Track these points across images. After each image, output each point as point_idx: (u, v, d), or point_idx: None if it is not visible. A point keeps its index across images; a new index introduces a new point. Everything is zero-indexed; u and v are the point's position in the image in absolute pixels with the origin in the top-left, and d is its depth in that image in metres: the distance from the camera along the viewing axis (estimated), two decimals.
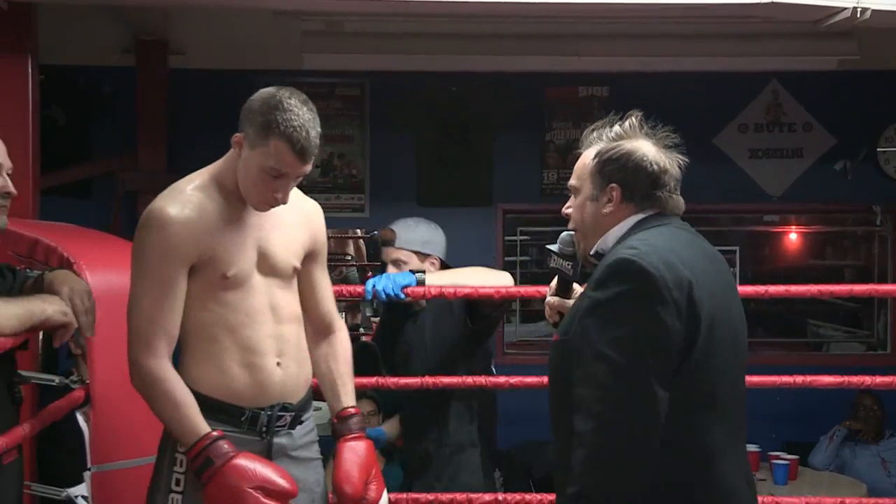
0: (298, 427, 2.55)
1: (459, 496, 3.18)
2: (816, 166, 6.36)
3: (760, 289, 3.28)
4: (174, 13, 5.70)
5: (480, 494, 3.19)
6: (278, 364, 2.48)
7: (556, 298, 2.40)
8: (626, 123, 2.25)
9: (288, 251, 2.54)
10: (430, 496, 3.20)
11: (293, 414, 2.51)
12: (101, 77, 6.18)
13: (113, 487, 2.61)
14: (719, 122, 6.38)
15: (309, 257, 2.62)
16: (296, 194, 2.55)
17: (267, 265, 2.49)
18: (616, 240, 2.17)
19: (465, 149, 6.38)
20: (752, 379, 3.22)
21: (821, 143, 6.36)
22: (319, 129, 2.39)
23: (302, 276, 2.63)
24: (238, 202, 2.45)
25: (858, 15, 4.15)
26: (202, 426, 2.34)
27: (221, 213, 2.42)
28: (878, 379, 3.22)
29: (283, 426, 2.49)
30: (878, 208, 6.31)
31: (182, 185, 2.45)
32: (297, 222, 2.58)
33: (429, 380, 3.19)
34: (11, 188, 2.40)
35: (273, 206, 2.43)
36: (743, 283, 5.99)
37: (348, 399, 2.66)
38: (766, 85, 6.36)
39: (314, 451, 2.62)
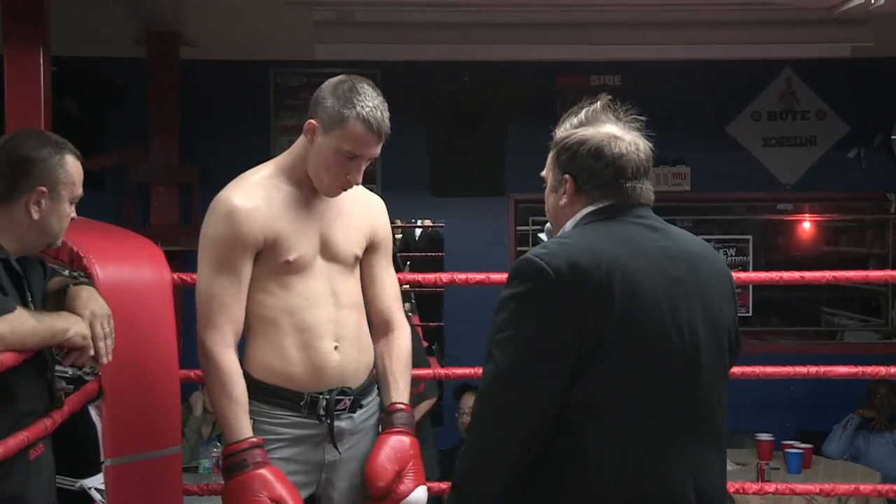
0: (359, 411, 2.60)
1: None
2: (830, 154, 6.34)
3: (775, 275, 3.26)
4: (185, 4, 5.71)
5: None
6: (336, 348, 2.53)
7: None
8: (591, 108, 2.10)
9: (349, 239, 2.60)
10: (444, 484, 3.20)
11: (352, 398, 2.55)
12: (113, 69, 6.20)
13: (128, 481, 2.61)
14: (732, 110, 6.36)
15: (370, 249, 2.67)
16: (360, 188, 2.63)
17: (329, 252, 2.56)
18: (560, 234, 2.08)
19: (477, 138, 6.38)
20: (765, 369, 3.22)
21: (834, 131, 6.33)
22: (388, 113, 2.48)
23: (363, 269, 2.68)
24: (304, 191, 2.53)
25: (872, 1, 4.12)
26: (247, 429, 2.43)
27: (286, 201, 2.51)
28: (894, 369, 3.21)
29: (343, 410, 2.54)
30: (893, 196, 6.28)
31: (248, 176, 2.54)
32: (359, 213, 2.64)
33: (439, 371, 3.19)
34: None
35: (344, 189, 2.51)
36: (757, 271, 6.00)
37: (398, 395, 2.67)
38: (780, 73, 6.34)
39: (374, 435, 2.65)
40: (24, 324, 2.17)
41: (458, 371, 3.21)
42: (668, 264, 1.99)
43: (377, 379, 2.68)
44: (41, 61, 3.73)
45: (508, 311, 1.93)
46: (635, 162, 2.04)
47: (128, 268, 2.74)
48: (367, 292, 2.69)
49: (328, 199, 2.56)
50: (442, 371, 3.21)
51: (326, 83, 2.49)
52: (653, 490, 1.92)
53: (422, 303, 8.32)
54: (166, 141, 5.96)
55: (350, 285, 2.60)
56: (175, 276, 2.90)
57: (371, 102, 2.43)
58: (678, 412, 1.95)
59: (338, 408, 2.52)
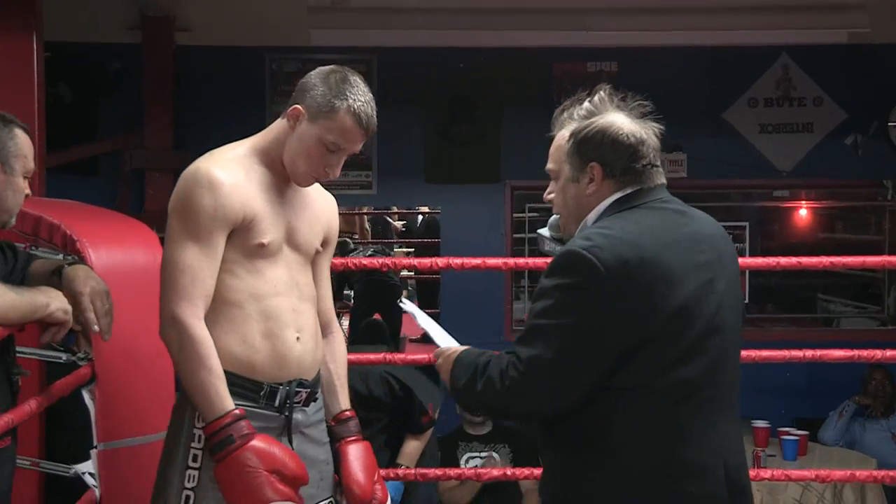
0: (312, 404, 2.56)
1: (468, 471, 3.18)
2: (827, 141, 6.32)
3: (772, 260, 3.26)
4: None
5: (489, 469, 3.19)
6: (298, 339, 2.48)
7: None
8: (596, 98, 2.17)
9: (312, 231, 2.57)
10: (439, 470, 3.20)
11: (308, 391, 2.52)
12: (107, 54, 6.17)
13: (120, 465, 2.61)
14: (729, 96, 6.34)
15: (322, 246, 2.64)
16: (317, 186, 2.60)
17: (294, 241, 2.52)
18: (593, 222, 2.13)
19: (472, 125, 6.36)
20: (761, 353, 3.21)
21: (831, 118, 6.31)
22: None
23: (311, 266, 2.64)
24: (276, 176, 2.48)
25: None
26: (229, 401, 2.32)
27: (261, 182, 2.45)
28: (889, 352, 3.20)
29: (299, 402, 2.50)
30: (889, 183, 6.28)
31: (224, 151, 2.47)
32: (320, 208, 2.62)
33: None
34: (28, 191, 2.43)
35: (318, 181, 2.47)
36: (753, 257, 6.00)
37: (346, 401, 2.67)
38: (776, 59, 6.31)
39: (323, 430, 2.62)
40: (3, 297, 2.14)
41: None
42: (698, 249, 2.09)
43: (321, 382, 2.64)
44: (34, 46, 3.71)
45: (553, 301, 2.00)
46: (654, 146, 2.13)
47: (121, 251, 2.73)
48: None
49: (297, 188, 2.52)
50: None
51: (316, 71, 2.45)
52: (688, 463, 2.02)
53: (418, 290, 8.32)
54: (160, 127, 5.93)
55: (309, 278, 2.56)
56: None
57: (363, 97, 2.39)
58: (709, 390, 2.06)
59: (295, 400, 2.46)
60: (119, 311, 2.49)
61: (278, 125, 2.47)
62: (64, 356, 2.69)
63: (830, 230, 7.12)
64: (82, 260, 2.57)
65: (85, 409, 2.61)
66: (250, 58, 6.21)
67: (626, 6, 5.60)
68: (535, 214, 6.54)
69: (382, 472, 2.75)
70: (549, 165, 2.24)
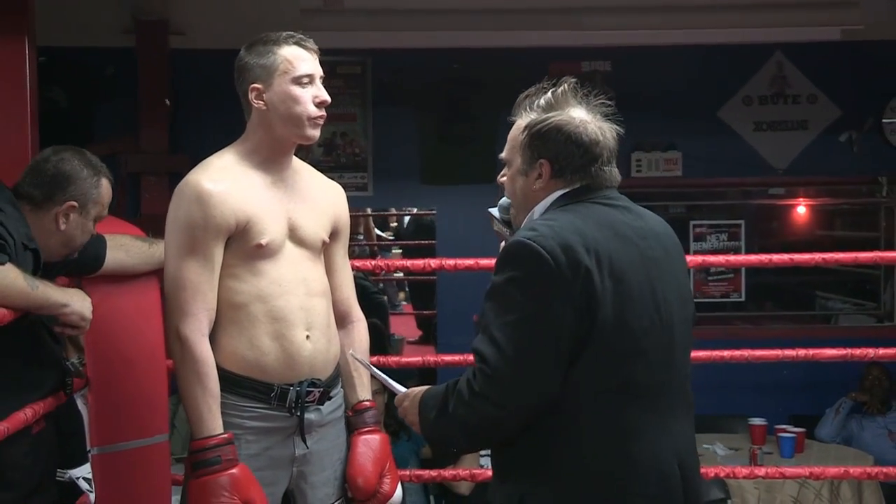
0: (327, 403, 2.57)
1: (462, 471, 3.18)
2: (822, 138, 6.32)
3: (764, 257, 3.28)
4: None
5: (484, 469, 3.19)
6: (307, 337, 2.50)
7: None
8: (559, 91, 2.14)
9: (317, 224, 2.58)
10: (434, 472, 3.20)
11: (321, 390, 2.52)
12: (102, 58, 6.16)
13: (114, 469, 2.61)
14: (724, 94, 6.34)
15: (332, 236, 2.65)
16: (320, 174, 2.67)
17: (297, 236, 2.53)
18: (540, 215, 2.12)
19: (468, 126, 6.35)
20: (754, 353, 3.22)
21: (826, 115, 6.31)
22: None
23: (324, 257, 2.64)
24: (270, 174, 2.51)
25: None
26: (220, 423, 2.38)
27: (254, 184, 2.48)
28: (882, 351, 3.21)
29: (312, 402, 2.50)
30: (885, 179, 6.28)
31: (212, 161, 2.51)
32: (323, 198, 2.63)
33: (430, 358, 3.19)
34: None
35: (319, 119, 2.49)
36: (747, 254, 5.99)
37: (364, 392, 2.67)
38: (771, 57, 6.32)
39: (341, 429, 2.63)
40: (12, 280, 2.20)
41: (448, 358, 3.21)
42: (644, 244, 2.07)
43: (340, 373, 2.66)
44: (27, 51, 3.70)
45: (506, 296, 1.98)
46: (608, 147, 2.11)
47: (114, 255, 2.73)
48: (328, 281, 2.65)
49: (295, 183, 2.54)
50: (432, 359, 3.20)
51: (236, 60, 2.53)
52: (642, 463, 2.00)
53: (415, 291, 8.32)
54: (156, 130, 5.92)
55: (318, 272, 2.57)
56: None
57: (286, 33, 2.49)
58: (660, 388, 2.05)
59: (307, 399, 2.48)
60: (113, 315, 2.51)
61: (252, 121, 2.51)
62: (70, 362, 2.71)
63: (827, 227, 7.12)
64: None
65: (78, 414, 2.62)
66: None
67: (621, 5, 5.59)
68: None
69: None
70: (504, 153, 2.22)
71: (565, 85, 2.14)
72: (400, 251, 8.48)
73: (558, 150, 2.09)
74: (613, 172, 2.14)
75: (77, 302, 2.38)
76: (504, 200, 2.29)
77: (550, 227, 2.00)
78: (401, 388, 2.33)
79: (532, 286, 1.96)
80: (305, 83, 2.45)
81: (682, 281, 2.17)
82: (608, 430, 1.99)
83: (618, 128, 2.14)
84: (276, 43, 2.46)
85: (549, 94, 2.14)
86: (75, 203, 2.49)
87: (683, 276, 2.19)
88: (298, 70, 2.44)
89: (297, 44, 2.47)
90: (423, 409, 2.14)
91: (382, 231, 8.46)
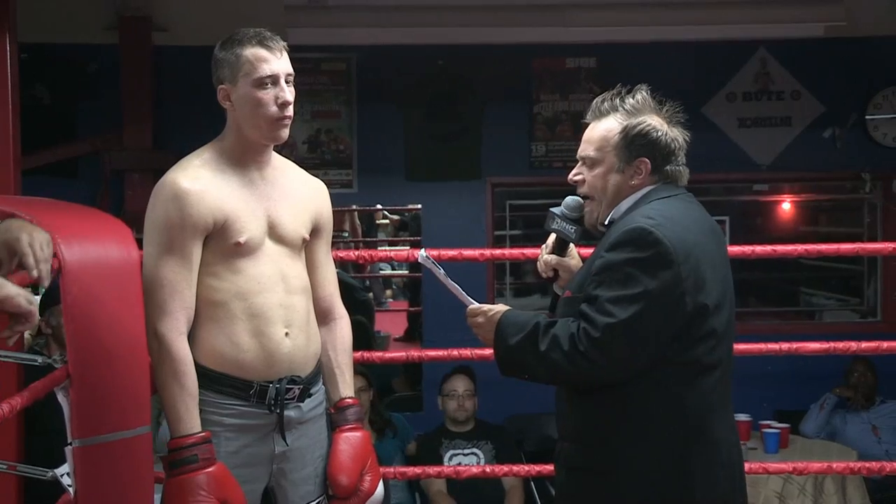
0: (307, 400, 2.56)
1: (447, 469, 3.18)
2: (805, 134, 6.34)
3: (747, 249, 3.32)
4: None
5: (468, 466, 3.20)
6: (287, 334, 2.50)
7: (553, 256, 2.51)
8: (639, 97, 2.37)
9: (297, 221, 2.57)
10: (418, 469, 3.20)
11: (301, 387, 2.51)
12: (85, 55, 6.13)
13: (95, 461, 2.57)
14: (708, 91, 6.35)
15: (314, 233, 2.65)
16: (301, 171, 2.67)
17: (277, 233, 2.53)
18: (627, 208, 2.33)
19: (452, 122, 6.35)
20: (739, 346, 3.23)
21: (809, 111, 6.33)
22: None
23: (306, 254, 2.63)
24: (249, 172, 2.51)
25: None
26: (198, 422, 2.39)
27: (232, 182, 2.48)
28: (864, 344, 3.23)
29: (292, 399, 2.50)
30: (868, 175, 6.29)
31: (191, 159, 2.52)
32: (304, 195, 2.63)
33: (414, 353, 3.18)
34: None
35: (285, 120, 2.48)
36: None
37: (346, 389, 2.67)
38: (754, 53, 6.33)
39: (322, 426, 2.63)
40: None
41: (432, 353, 3.21)
42: (719, 241, 2.37)
43: (322, 370, 2.65)
44: (8, 47, 3.68)
45: (625, 274, 2.18)
46: (684, 150, 2.38)
47: (94, 247, 2.69)
48: (309, 279, 2.65)
49: (275, 180, 2.53)
50: (415, 353, 3.20)
51: (212, 58, 2.53)
52: (719, 432, 2.27)
53: (403, 288, 8.32)
54: (140, 127, 5.90)
55: (298, 269, 2.58)
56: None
57: (252, 31, 2.47)
58: (728, 367, 2.32)
59: (287, 396, 2.48)
60: (93, 306, 2.48)
61: (228, 121, 2.52)
62: (39, 359, 2.67)
63: (811, 223, 7.14)
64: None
65: (60, 411, 2.59)
66: None
67: (605, 2, 5.60)
68: (516, 212, 6.53)
69: None
70: (589, 153, 2.38)
71: (643, 91, 2.39)
72: (389, 248, 8.47)
73: (655, 150, 2.33)
74: (687, 172, 2.39)
75: (9, 286, 2.05)
76: (573, 199, 2.44)
77: (666, 217, 2.23)
78: (471, 301, 2.46)
79: (651, 268, 2.16)
80: (268, 84, 2.44)
81: (731, 277, 2.40)
82: (698, 406, 2.23)
83: (686, 133, 2.39)
84: (241, 43, 2.45)
85: (631, 98, 2.37)
86: None
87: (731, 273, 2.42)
88: (260, 72, 2.43)
89: (261, 43, 2.45)
90: (503, 331, 2.32)
91: (369, 231, 8.45)
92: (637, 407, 2.23)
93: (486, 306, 2.43)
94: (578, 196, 2.43)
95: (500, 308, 2.40)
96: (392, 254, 3.43)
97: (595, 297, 2.20)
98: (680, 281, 2.17)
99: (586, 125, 2.42)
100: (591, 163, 2.38)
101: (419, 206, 6.58)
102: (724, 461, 2.28)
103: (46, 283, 2.27)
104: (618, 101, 2.37)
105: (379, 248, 7.87)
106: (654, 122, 2.34)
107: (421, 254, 2.64)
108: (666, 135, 2.33)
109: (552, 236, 2.50)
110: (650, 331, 2.18)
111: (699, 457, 2.23)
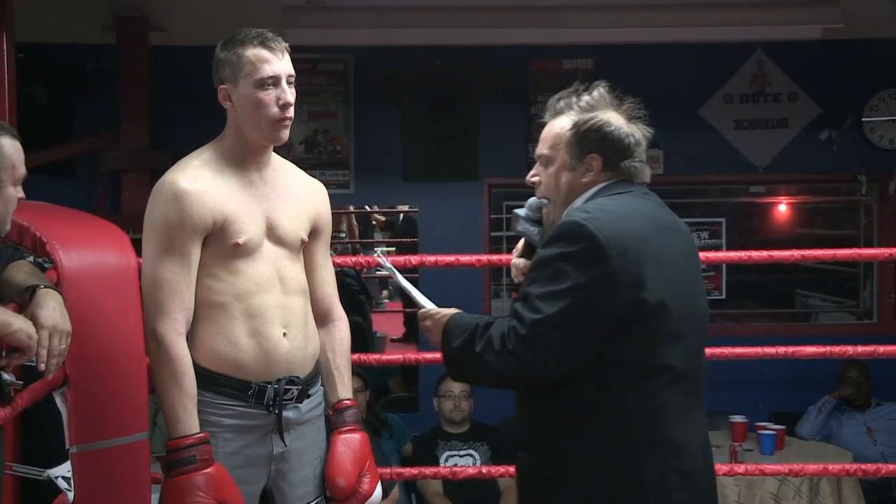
0: (306, 401, 2.56)
1: (443, 469, 3.18)
2: (802, 136, 6.34)
3: (744, 254, 3.31)
4: None
5: (465, 467, 3.20)
6: (284, 335, 2.50)
7: (522, 260, 2.48)
8: (595, 93, 2.30)
9: (295, 222, 2.57)
10: (415, 469, 3.20)
11: (300, 388, 2.51)
12: (82, 55, 6.13)
13: (94, 467, 2.59)
14: (704, 92, 6.35)
15: (313, 235, 2.64)
16: (301, 172, 2.66)
17: (275, 235, 2.53)
18: (578, 206, 2.25)
19: (450, 123, 6.35)
20: (734, 350, 3.24)
21: (806, 113, 6.33)
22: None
23: (304, 256, 2.63)
24: (248, 173, 2.51)
25: None
26: (196, 422, 2.38)
27: (231, 183, 2.48)
28: (861, 348, 3.23)
29: (291, 399, 2.50)
30: (864, 178, 6.29)
31: (190, 159, 2.51)
32: (303, 196, 2.62)
33: (411, 355, 3.19)
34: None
35: (285, 122, 2.47)
36: (727, 251, 6.02)
37: (344, 391, 2.67)
38: (751, 55, 6.33)
39: (321, 427, 2.63)
40: None
41: (429, 356, 3.21)
42: (678, 238, 2.27)
43: (320, 372, 2.65)
44: (6, 47, 3.68)
45: (555, 269, 2.12)
46: (643, 146, 2.29)
47: (92, 253, 2.71)
48: (307, 279, 2.65)
49: (274, 181, 2.53)
50: (412, 355, 3.20)
51: (213, 57, 2.52)
52: (676, 441, 2.16)
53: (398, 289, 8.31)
54: (137, 127, 5.90)
55: (296, 270, 2.57)
56: (141, 261, 2.86)
57: (254, 31, 2.46)
58: (692, 373, 2.21)
59: (285, 397, 2.47)
60: (91, 313, 2.49)
61: (228, 123, 2.52)
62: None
63: (807, 225, 7.15)
64: (52, 262, 2.55)
65: (56, 412, 2.59)
66: None
67: (603, 3, 5.60)
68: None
69: None
70: (543, 151, 2.33)
71: (601, 88, 2.31)
72: (385, 248, 8.46)
73: (607, 146, 2.24)
74: (647, 169, 2.30)
75: (19, 321, 2.12)
76: (535, 200, 2.40)
77: (602, 211, 2.15)
78: (425, 303, 2.43)
79: (582, 262, 2.09)
80: (269, 85, 2.43)
81: (701, 278, 2.34)
82: (648, 409, 2.13)
83: (648, 129, 2.30)
84: (243, 43, 2.44)
85: (587, 95, 2.30)
86: None
87: (701, 275, 2.36)
88: (261, 72, 2.43)
89: (263, 44, 2.44)
90: (448, 334, 2.27)
91: (366, 232, 8.45)
92: (581, 411, 2.15)
93: (434, 309, 2.40)
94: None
95: (448, 311, 2.35)
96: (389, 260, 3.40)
97: (527, 294, 2.14)
98: (614, 276, 2.08)
99: (544, 125, 2.37)
100: (545, 161, 2.34)
101: (416, 207, 6.59)
102: (682, 468, 2.17)
103: (50, 377, 2.26)
104: (573, 98, 2.32)
105: (377, 249, 7.87)
106: (609, 118, 2.26)
107: (378, 257, 2.66)
108: (620, 130, 2.25)
109: (522, 239, 2.49)
110: (580, 327, 2.10)
111: (652, 463, 2.14)
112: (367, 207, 7.72)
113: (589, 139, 2.25)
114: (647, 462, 2.13)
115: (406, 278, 2.56)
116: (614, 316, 2.09)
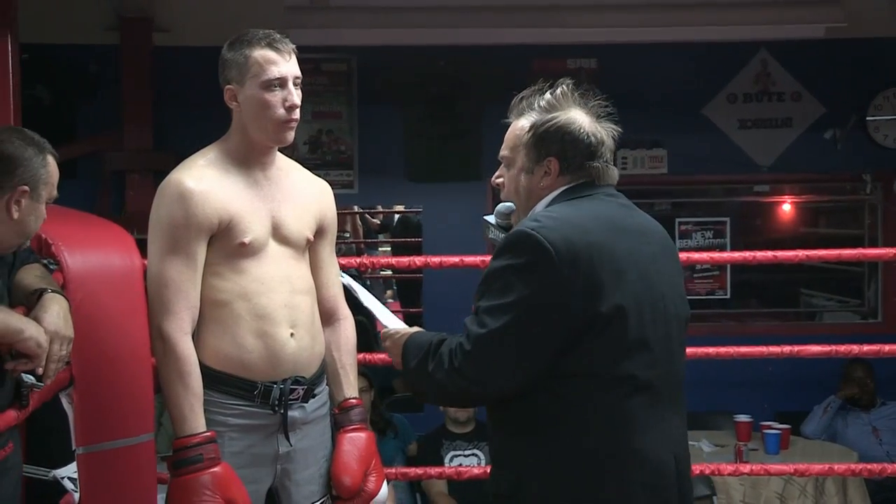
0: (311, 400, 2.56)
1: (448, 469, 3.18)
2: (806, 135, 6.33)
3: (748, 255, 3.29)
4: None
5: (469, 467, 3.19)
6: (291, 335, 2.50)
7: None
8: (558, 92, 2.20)
9: (301, 221, 2.57)
10: (420, 470, 3.20)
11: (306, 387, 2.51)
12: (85, 55, 6.13)
13: (100, 468, 2.59)
14: (708, 92, 6.35)
15: (318, 234, 2.65)
16: (306, 172, 2.66)
17: (281, 234, 2.53)
18: (542, 210, 2.17)
19: (453, 123, 6.35)
20: (739, 349, 3.23)
21: (810, 112, 6.33)
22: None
23: (310, 255, 2.64)
24: (253, 173, 2.51)
25: None
26: (203, 422, 2.38)
27: (237, 182, 2.48)
28: (866, 347, 3.22)
29: (296, 399, 2.50)
30: (868, 177, 6.29)
31: (195, 159, 2.51)
32: (308, 196, 2.62)
33: None
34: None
35: (291, 123, 2.47)
36: (731, 251, 6.01)
37: (350, 390, 2.67)
38: (755, 54, 6.33)
39: (326, 426, 2.63)
40: None
41: None
42: (643, 240, 2.14)
43: (326, 371, 2.65)
44: (9, 47, 3.68)
45: (502, 282, 2.03)
46: (610, 147, 2.18)
47: (97, 254, 2.70)
48: (313, 279, 2.65)
49: (279, 180, 2.53)
50: None
51: (219, 57, 2.52)
52: (641, 453, 2.05)
53: (401, 290, 8.31)
54: (140, 128, 5.90)
55: (302, 270, 2.57)
56: (146, 262, 2.86)
57: (261, 32, 2.46)
58: (660, 381, 2.09)
59: (291, 397, 2.48)
60: (96, 314, 2.48)
61: (233, 123, 2.52)
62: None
63: (812, 225, 7.14)
64: (58, 263, 2.55)
65: (63, 413, 2.59)
66: None
67: (605, 3, 5.60)
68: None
69: None
70: (504, 152, 2.25)
71: (564, 86, 2.20)
72: (389, 249, 8.47)
73: (565, 148, 2.14)
74: (613, 170, 2.19)
75: (32, 328, 2.14)
76: (503, 206, 2.34)
77: (553, 219, 2.05)
78: (389, 321, 2.40)
79: (530, 273, 2.00)
80: (275, 87, 2.44)
81: (676, 280, 2.22)
82: (608, 420, 2.03)
83: (615, 128, 2.20)
84: (250, 44, 2.44)
85: (549, 94, 2.20)
86: (26, 187, 2.25)
87: (678, 276, 2.25)
88: (268, 74, 2.43)
89: (270, 45, 2.44)
90: (406, 354, 2.20)
91: (370, 232, 8.44)
92: (538, 422, 2.06)
93: (394, 329, 2.33)
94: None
95: (408, 331, 2.29)
96: (394, 261, 3.40)
97: (476, 308, 2.07)
98: (563, 286, 1.98)
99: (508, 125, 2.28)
100: (507, 163, 2.25)
101: (420, 207, 6.58)
102: (646, 481, 2.06)
103: (47, 381, 2.25)
104: (536, 97, 2.21)
105: (380, 249, 7.87)
106: (571, 117, 2.15)
107: (341, 276, 2.64)
108: (580, 130, 2.13)
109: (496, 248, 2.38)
110: (528, 340, 2.01)
111: (613, 475, 2.04)
112: (357, 209, 7.73)
113: (547, 141, 2.15)
114: (608, 475, 2.04)
115: (411, 312, 2.53)
116: (566, 327, 2.00)
